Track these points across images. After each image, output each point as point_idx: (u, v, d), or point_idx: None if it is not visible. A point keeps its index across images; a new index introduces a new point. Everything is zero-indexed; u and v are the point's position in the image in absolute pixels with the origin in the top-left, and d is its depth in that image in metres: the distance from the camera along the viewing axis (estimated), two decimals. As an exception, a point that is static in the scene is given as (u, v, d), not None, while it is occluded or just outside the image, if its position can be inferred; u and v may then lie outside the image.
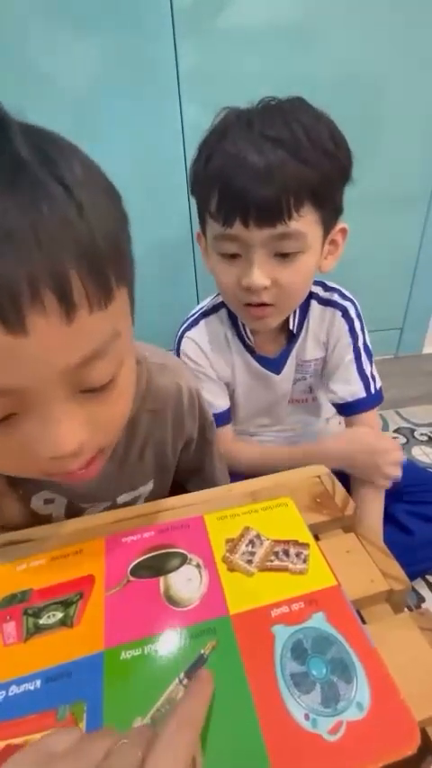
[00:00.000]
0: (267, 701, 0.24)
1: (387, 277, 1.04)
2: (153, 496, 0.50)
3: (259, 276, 0.49)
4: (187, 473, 0.54)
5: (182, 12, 0.68)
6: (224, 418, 0.66)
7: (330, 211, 0.51)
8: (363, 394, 0.64)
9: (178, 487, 0.62)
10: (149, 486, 0.49)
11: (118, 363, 0.27)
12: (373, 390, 0.65)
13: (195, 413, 0.48)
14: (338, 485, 0.40)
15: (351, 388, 0.64)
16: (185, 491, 0.53)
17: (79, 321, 0.22)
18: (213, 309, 0.65)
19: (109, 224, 0.24)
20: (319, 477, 0.41)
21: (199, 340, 0.63)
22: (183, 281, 0.90)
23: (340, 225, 0.54)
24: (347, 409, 0.66)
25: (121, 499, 0.47)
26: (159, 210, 0.80)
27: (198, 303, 0.92)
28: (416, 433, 1.09)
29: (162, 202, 0.80)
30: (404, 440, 1.07)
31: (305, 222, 0.47)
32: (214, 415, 0.57)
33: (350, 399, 0.64)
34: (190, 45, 0.71)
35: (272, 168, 0.44)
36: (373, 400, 0.65)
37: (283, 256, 0.50)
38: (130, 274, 0.28)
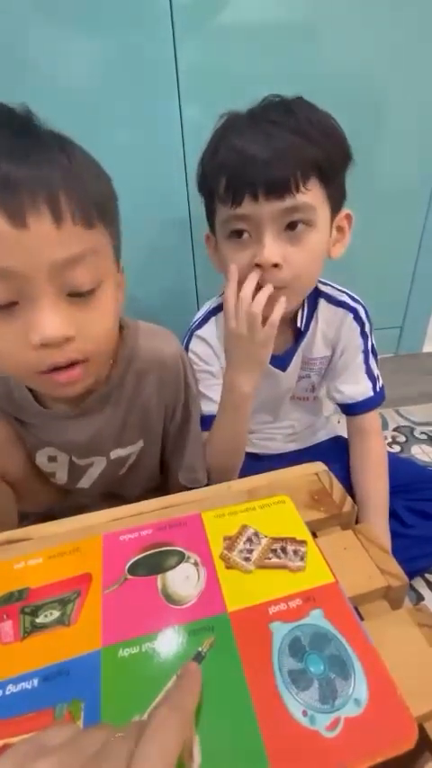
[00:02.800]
0: (265, 697, 0.24)
1: (387, 276, 1.04)
2: (145, 457, 0.55)
3: (270, 251, 0.49)
4: (172, 449, 0.56)
5: (181, 10, 0.68)
6: None
7: (336, 192, 0.52)
8: (370, 393, 0.65)
9: (180, 489, 0.64)
10: (139, 445, 0.53)
11: (98, 278, 0.35)
12: (378, 390, 0.66)
13: (180, 381, 0.52)
14: (336, 482, 0.40)
15: (359, 389, 0.65)
16: (181, 488, 0.54)
17: (65, 228, 0.31)
18: (221, 307, 0.65)
19: (94, 184, 0.34)
20: (316, 474, 0.41)
21: (209, 338, 0.62)
22: (182, 280, 0.90)
23: (345, 211, 0.55)
24: (353, 408, 0.67)
25: (113, 454, 0.52)
26: (159, 209, 0.80)
27: (198, 303, 0.92)
28: (415, 432, 1.08)
29: (162, 201, 0.80)
30: (403, 438, 1.07)
31: (312, 196, 0.48)
32: (215, 416, 0.57)
33: (359, 399, 0.65)
34: (189, 44, 0.71)
35: (278, 149, 0.46)
36: (377, 399, 0.66)
37: (293, 229, 0.49)
38: (112, 225, 0.37)
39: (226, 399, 0.55)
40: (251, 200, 0.47)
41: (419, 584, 0.71)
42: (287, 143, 0.46)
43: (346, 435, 0.75)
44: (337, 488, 0.40)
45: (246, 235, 0.51)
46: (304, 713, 0.24)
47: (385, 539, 0.61)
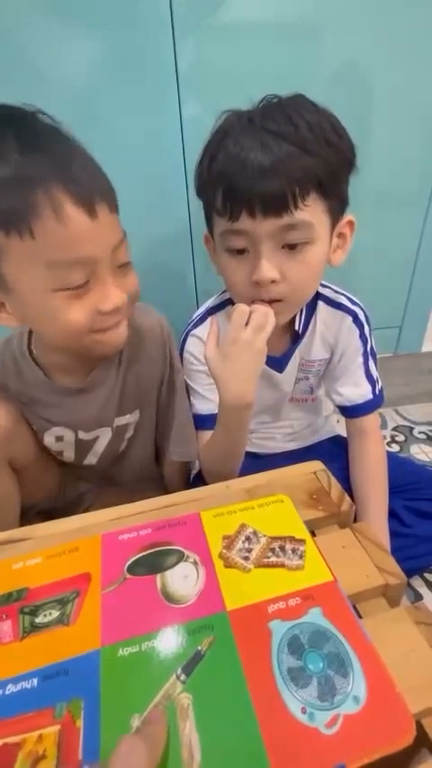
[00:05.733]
0: (265, 695, 0.24)
1: (386, 275, 1.04)
2: (142, 430, 0.59)
3: (268, 269, 0.49)
4: (162, 422, 0.60)
5: (181, 8, 0.68)
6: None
7: (337, 202, 0.50)
8: (370, 396, 0.65)
9: (174, 479, 0.65)
10: (136, 415, 0.58)
11: (128, 252, 0.43)
12: (377, 392, 0.66)
13: (167, 351, 0.56)
14: (334, 481, 0.40)
15: (359, 391, 0.65)
16: (176, 479, 0.55)
17: (113, 216, 0.40)
18: (220, 306, 0.64)
19: (107, 180, 0.41)
20: (314, 473, 0.41)
21: (204, 337, 0.62)
22: (182, 279, 0.90)
23: (347, 217, 0.54)
24: (353, 411, 0.66)
25: (117, 422, 0.56)
26: (158, 209, 0.80)
27: (197, 303, 0.91)
28: (414, 432, 1.09)
29: (161, 200, 0.80)
30: (402, 438, 1.07)
31: (311, 212, 0.47)
32: (211, 415, 0.57)
33: (359, 401, 0.65)
34: (189, 42, 0.70)
35: (275, 161, 0.45)
36: (377, 401, 0.66)
37: (291, 248, 0.49)
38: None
39: (228, 412, 0.54)
40: (248, 216, 0.47)
41: (418, 583, 0.71)
42: (285, 157, 0.45)
43: (345, 435, 0.75)
44: (336, 487, 0.40)
45: (245, 252, 0.50)
46: (303, 710, 0.24)
47: (384, 538, 0.61)
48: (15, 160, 0.34)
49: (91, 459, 0.58)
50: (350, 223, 0.54)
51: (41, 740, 0.23)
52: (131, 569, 0.32)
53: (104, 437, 0.56)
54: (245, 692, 0.25)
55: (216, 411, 0.59)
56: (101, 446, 0.56)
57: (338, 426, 0.80)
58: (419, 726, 0.24)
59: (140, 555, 0.33)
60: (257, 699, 0.24)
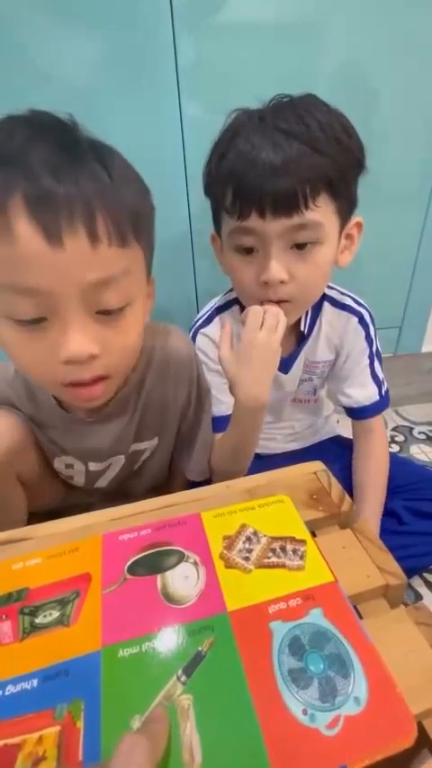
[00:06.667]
0: (265, 696, 0.24)
1: (386, 275, 1.04)
2: (159, 453, 0.56)
3: (277, 269, 0.48)
4: (183, 442, 0.57)
5: (181, 8, 0.68)
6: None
7: (346, 203, 0.50)
8: (377, 397, 0.65)
9: (181, 487, 0.64)
10: (155, 442, 0.54)
11: (128, 297, 0.35)
12: (383, 393, 0.66)
13: (194, 377, 0.53)
14: (334, 481, 0.40)
15: (366, 392, 0.65)
16: (182, 486, 0.54)
17: (101, 250, 0.31)
18: (226, 305, 0.64)
19: (132, 199, 0.34)
20: (315, 473, 0.41)
21: (214, 336, 0.62)
22: (182, 280, 0.90)
23: (355, 218, 0.53)
24: (359, 412, 0.66)
25: (132, 448, 0.52)
26: (159, 208, 0.80)
27: (197, 303, 0.91)
28: (414, 432, 1.09)
29: (161, 200, 0.80)
30: (402, 438, 1.07)
31: (322, 212, 0.47)
32: (224, 417, 0.57)
33: (366, 403, 0.65)
34: (189, 41, 0.70)
35: (286, 160, 0.44)
36: (384, 403, 0.66)
37: (301, 249, 0.48)
38: (146, 241, 0.37)
39: (242, 412, 0.53)
40: (258, 216, 0.46)
41: (418, 583, 0.71)
42: (297, 156, 0.44)
43: (345, 435, 0.75)
44: (336, 487, 0.40)
45: (253, 251, 0.50)
46: (304, 712, 0.24)
47: (375, 532, 0.61)
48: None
49: (101, 483, 0.56)
50: (358, 224, 0.54)
51: (41, 741, 0.23)
52: (132, 570, 0.32)
53: (117, 464, 0.54)
54: (246, 692, 0.25)
55: (227, 413, 0.59)
56: (112, 473, 0.55)
57: (339, 427, 0.80)
58: (420, 726, 0.24)
59: (141, 555, 0.33)
60: (258, 700, 0.24)
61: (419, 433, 1.09)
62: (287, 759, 0.22)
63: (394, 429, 1.10)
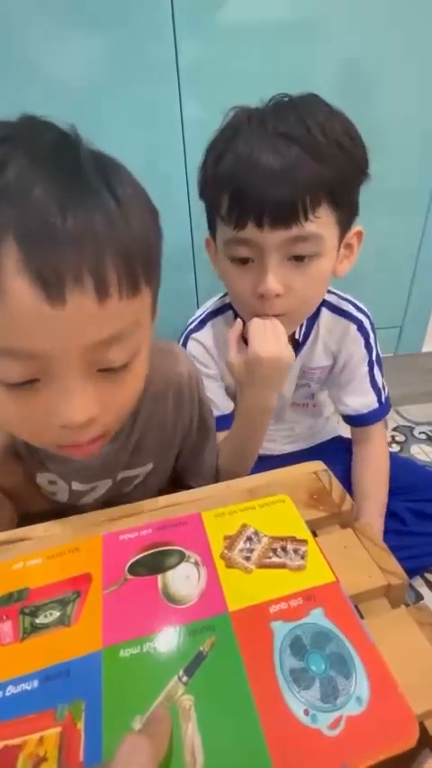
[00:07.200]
0: (267, 697, 0.24)
1: (387, 276, 1.04)
2: (154, 476, 0.52)
3: (274, 282, 0.47)
4: (187, 460, 0.54)
5: (182, 9, 0.68)
6: (226, 422, 0.63)
7: (347, 212, 0.48)
8: (375, 405, 0.64)
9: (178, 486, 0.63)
10: (149, 467, 0.50)
11: (135, 350, 0.30)
12: (383, 400, 0.65)
13: (195, 397, 0.49)
14: (335, 481, 0.40)
15: (364, 401, 0.64)
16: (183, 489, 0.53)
17: (109, 305, 0.26)
18: (220, 310, 0.63)
19: (145, 235, 0.29)
20: (315, 473, 0.41)
21: (205, 341, 0.61)
22: (182, 284, 0.90)
23: (356, 228, 0.52)
24: (358, 420, 0.66)
25: (121, 475, 0.49)
26: (159, 208, 0.80)
27: (198, 303, 0.91)
28: (414, 432, 1.09)
29: (161, 200, 0.80)
30: (403, 438, 1.07)
31: (322, 224, 0.45)
32: (217, 417, 0.56)
33: (364, 411, 0.64)
34: (190, 42, 0.71)
35: (287, 167, 0.42)
36: (383, 411, 0.65)
37: (298, 260, 0.47)
38: (156, 279, 0.33)
39: (248, 416, 0.53)
40: (255, 226, 0.44)
41: (419, 583, 0.71)
42: (297, 163, 0.42)
43: (346, 435, 0.75)
44: (337, 487, 0.40)
45: (249, 261, 0.48)
46: (306, 712, 0.24)
47: (379, 536, 0.61)
48: None
49: (86, 500, 0.52)
50: (358, 234, 0.53)
51: (42, 742, 0.23)
52: (132, 570, 0.32)
53: (103, 487, 0.49)
54: (247, 693, 0.25)
55: (220, 413, 0.59)
56: (97, 494, 0.50)
57: (340, 427, 0.80)
58: (422, 726, 0.23)
59: (141, 555, 0.33)
60: (260, 700, 0.24)
61: (420, 432, 1.09)
62: (289, 759, 0.22)
63: (395, 429, 1.10)
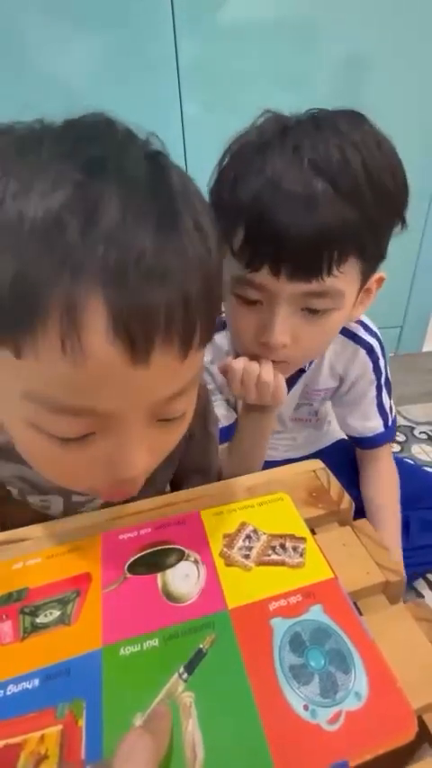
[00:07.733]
0: (267, 693, 0.24)
1: (387, 275, 1.04)
2: (152, 485, 0.48)
3: (281, 333, 0.42)
4: (192, 470, 0.53)
5: (182, 8, 0.68)
6: (227, 433, 0.60)
7: (374, 261, 0.44)
8: (381, 429, 0.62)
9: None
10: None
11: (194, 397, 0.29)
12: (390, 424, 0.63)
13: (202, 406, 0.47)
14: (333, 479, 0.40)
15: (369, 425, 0.62)
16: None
17: (189, 357, 0.23)
18: (221, 326, 0.63)
19: (221, 271, 0.25)
20: (314, 471, 0.41)
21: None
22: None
23: (378, 274, 0.47)
24: (363, 443, 0.64)
25: None
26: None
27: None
28: (415, 432, 1.09)
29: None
30: (403, 438, 1.07)
31: (345, 280, 0.40)
32: (219, 429, 0.55)
33: (369, 435, 0.63)
34: (190, 41, 0.71)
35: (317, 210, 0.36)
36: (388, 435, 0.63)
37: (312, 313, 0.42)
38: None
39: (251, 433, 0.51)
40: (270, 273, 0.39)
41: (419, 583, 0.71)
42: (329, 207, 0.36)
43: (346, 436, 0.74)
44: (335, 485, 0.40)
45: (257, 302, 0.43)
46: (306, 707, 0.24)
47: (397, 551, 0.59)
48: (61, 207, 0.19)
49: (84, 510, 0.49)
50: (379, 280, 0.48)
51: (43, 741, 0.23)
52: (132, 568, 0.32)
53: (98, 501, 0.47)
54: (247, 689, 0.25)
55: (221, 426, 0.58)
56: (94, 506, 0.48)
57: (341, 431, 0.80)
58: (421, 721, 0.24)
59: (141, 554, 0.33)
60: (260, 696, 0.24)
61: (420, 432, 1.09)
62: (289, 754, 0.22)
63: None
